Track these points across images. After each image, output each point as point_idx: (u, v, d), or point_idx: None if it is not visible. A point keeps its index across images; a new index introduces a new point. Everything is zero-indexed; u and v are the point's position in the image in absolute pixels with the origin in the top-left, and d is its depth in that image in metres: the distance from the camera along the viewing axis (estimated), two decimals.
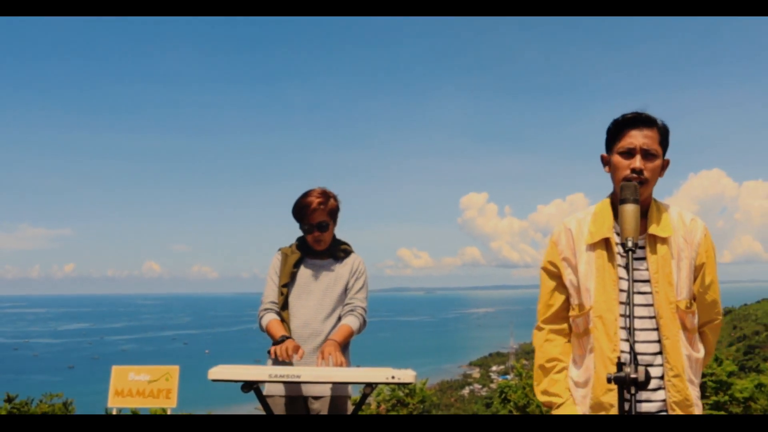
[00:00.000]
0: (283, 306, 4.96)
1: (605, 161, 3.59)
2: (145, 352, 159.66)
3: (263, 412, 4.55)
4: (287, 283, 4.98)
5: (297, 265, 5.04)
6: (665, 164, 3.52)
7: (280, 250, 5.16)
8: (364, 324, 5.01)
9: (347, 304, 5.01)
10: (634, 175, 3.36)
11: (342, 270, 5.06)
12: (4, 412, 9.64)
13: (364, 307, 5.03)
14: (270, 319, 4.91)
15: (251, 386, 4.21)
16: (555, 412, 3.52)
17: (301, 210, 4.89)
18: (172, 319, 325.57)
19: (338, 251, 5.10)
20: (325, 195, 4.94)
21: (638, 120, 3.45)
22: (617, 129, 3.50)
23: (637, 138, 3.41)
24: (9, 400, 10.06)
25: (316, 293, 4.97)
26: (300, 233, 5.07)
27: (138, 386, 9.07)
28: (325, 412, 4.74)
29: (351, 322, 4.89)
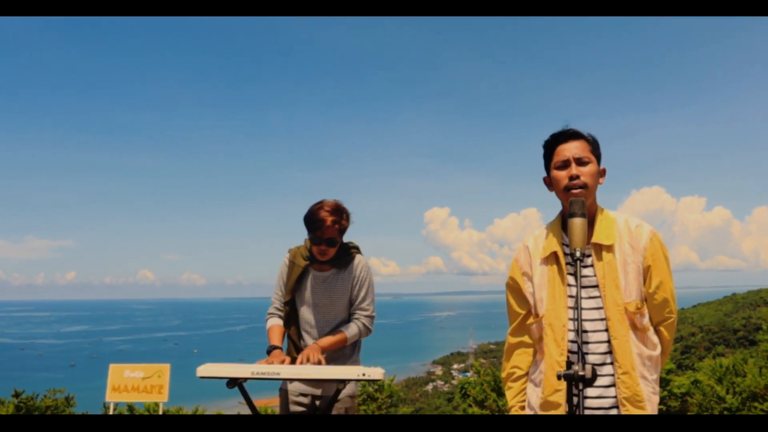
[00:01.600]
0: (291, 320, 4.87)
1: (547, 183, 3.60)
2: (140, 352, 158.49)
3: (246, 406, 4.51)
4: (292, 299, 4.86)
5: (301, 279, 4.87)
6: (602, 171, 3.53)
7: (289, 251, 4.97)
8: (365, 330, 4.87)
9: (352, 314, 4.87)
10: (573, 182, 3.38)
11: (345, 281, 4.84)
12: (11, 406, 9.61)
13: (367, 315, 4.87)
14: (272, 324, 4.84)
15: (235, 382, 4.16)
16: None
17: (314, 223, 4.61)
18: (163, 321, 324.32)
19: (341, 260, 4.84)
20: (339, 213, 4.67)
21: (565, 134, 3.49)
22: (549, 148, 3.54)
23: (567, 150, 3.43)
24: (16, 395, 10.01)
25: (321, 307, 4.82)
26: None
27: (133, 382, 9.09)
28: (328, 410, 4.63)
29: (347, 329, 4.76)
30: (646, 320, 3.39)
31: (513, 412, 3.56)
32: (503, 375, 3.70)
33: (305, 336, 4.85)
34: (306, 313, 4.86)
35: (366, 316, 4.87)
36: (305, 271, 4.87)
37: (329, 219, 4.60)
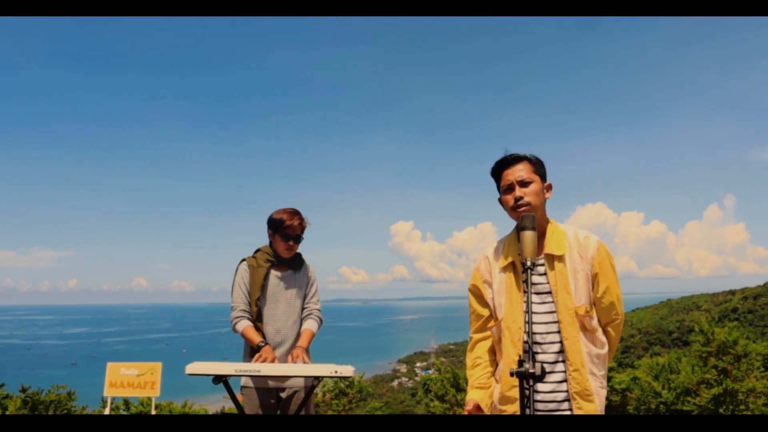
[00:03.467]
0: (258, 316, 4.92)
1: (501, 203, 3.64)
2: (134, 351, 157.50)
3: (230, 401, 4.58)
4: (259, 297, 4.93)
5: (265, 279, 4.99)
6: (548, 187, 3.58)
7: (244, 260, 5.09)
8: (320, 323, 5.11)
9: (305, 308, 5.08)
10: (519, 203, 3.43)
11: (301, 280, 5.08)
12: (19, 401, 9.60)
13: (318, 309, 5.14)
14: (245, 325, 4.87)
15: (220, 379, 4.26)
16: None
17: (281, 222, 4.90)
18: (156, 324, 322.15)
19: (296, 263, 5.10)
20: (299, 214, 5.00)
21: (506, 161, 3.54)
22: (495, 175, 3.61)
23: (510, 174, 3.49)
24: (23, 390, 10.02)
25: (282, 303, 4.96)
26: (262, 244, 5.10)
27: (128, 379, 9.08)
28: (291, 400, 4.80)
29: (311, 325, 4.99)
30: (594, 322, 3.46)
31: (468, 389, 3.61)
32: (468, 364, 3.74)
33: (269, 327, 4.92)
34: (269, 308, 4.96)
35: (318, 309, 5.15)
36: (267, 273, 5.03)
37: (295, 219, 4.95)
